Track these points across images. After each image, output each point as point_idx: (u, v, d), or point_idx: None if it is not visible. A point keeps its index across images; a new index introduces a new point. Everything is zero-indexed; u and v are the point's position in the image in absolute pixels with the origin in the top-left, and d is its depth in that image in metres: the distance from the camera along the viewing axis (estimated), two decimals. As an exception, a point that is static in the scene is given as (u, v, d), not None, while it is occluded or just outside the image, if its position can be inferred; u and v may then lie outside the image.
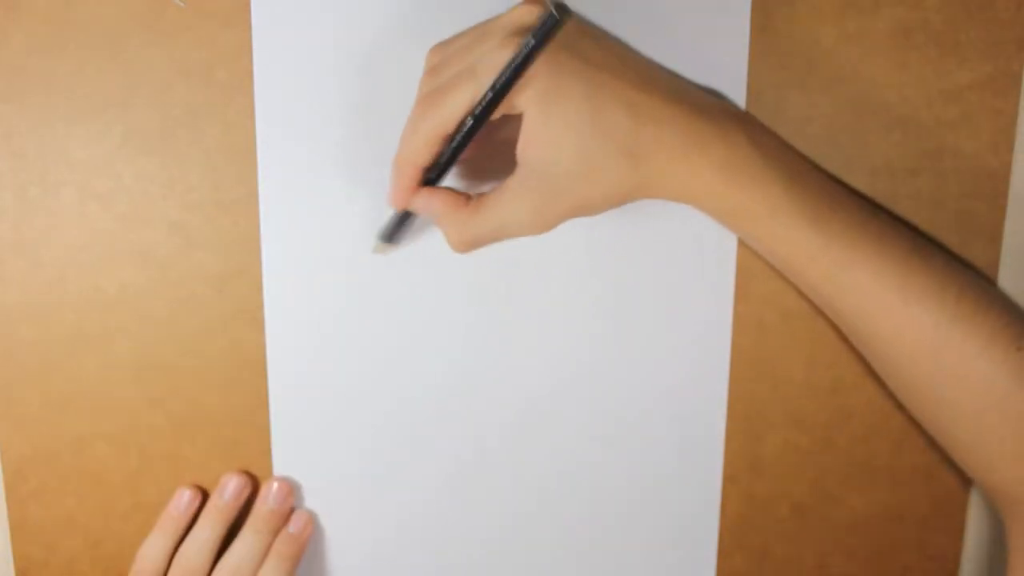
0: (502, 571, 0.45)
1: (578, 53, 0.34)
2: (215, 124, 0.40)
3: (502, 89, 0.33)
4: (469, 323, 0.43)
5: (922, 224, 0.42)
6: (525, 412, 0.44)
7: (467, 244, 0.36)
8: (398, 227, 0.38)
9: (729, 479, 0.44)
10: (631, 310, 0.42)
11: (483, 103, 0.33)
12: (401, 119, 0.40)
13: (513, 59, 0.32)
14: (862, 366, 0.43)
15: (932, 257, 0.36)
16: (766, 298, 0.42)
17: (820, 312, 0.42)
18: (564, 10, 0.31)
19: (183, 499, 0.42)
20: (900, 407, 0.43)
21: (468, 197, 0.36)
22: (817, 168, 0.37)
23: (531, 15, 0.33)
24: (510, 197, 0.35)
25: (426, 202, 0.36)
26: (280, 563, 0.41)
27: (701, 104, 0.36)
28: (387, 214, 0.39)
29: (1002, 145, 0.41)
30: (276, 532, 0.42)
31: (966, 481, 0.44)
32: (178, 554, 0.41)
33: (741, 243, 0.42)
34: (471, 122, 0.34)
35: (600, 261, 0.42)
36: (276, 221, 0.41)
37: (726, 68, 0.40)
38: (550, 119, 0.33)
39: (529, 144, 0.34)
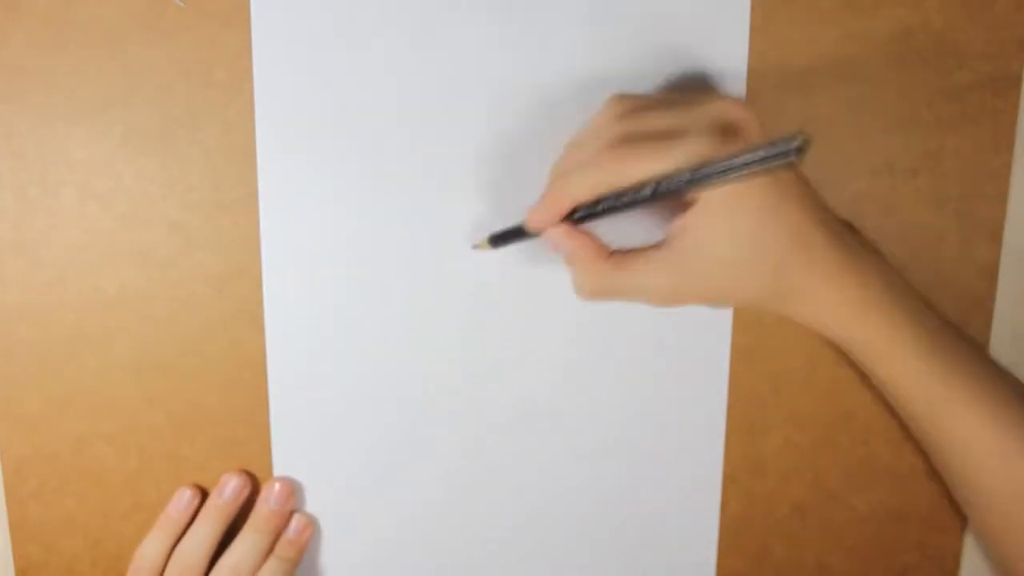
0: (502, 571, 0.45)
1: None
2: (215, 124, 0.40)
3: (698, 183, 0.32)
4: (469, 323, 0.43)
5: (922, 224, 0.42)
6: (525, 412, 0.44)
7: (597, 295, 0.37)
8: (513, 239, 0.39)
9: (729, 479, 0.44)
10: (631, 310, 0.42)
11: (674, 185, 0.33)
12: (400, 119, 0.40)
13: (726, 168, 0.32)
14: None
15: None
16: (766, 298, 0.42)
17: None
18: (803, 153, 0.29)
19: (183, 498, 0.42)
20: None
21: (607, 249, 0.37)
22: (932, 305, 0.39)
23: (739, 115, 0.34)
24: (654, 269, 0.36)
25: (564, 239, 0.37)
26: (280, 564, 0.42)
27: (845, 235, 0.37)
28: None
29: (1002, 145, 0.41)
30: (277, 532, 0.42)
31: (966, 481, 0.44)
32: (175, 552, 0.41)
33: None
34: (649, 193, 0.34)
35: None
36: (276, 221, 0.41)
37: (726, 68, 0.40)
38: (718, 219, 0.34)
39: (689, 231, 0.35)
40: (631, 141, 0.34)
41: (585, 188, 0.35)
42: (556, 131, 0.41)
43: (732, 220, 0.34)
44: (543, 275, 0.42)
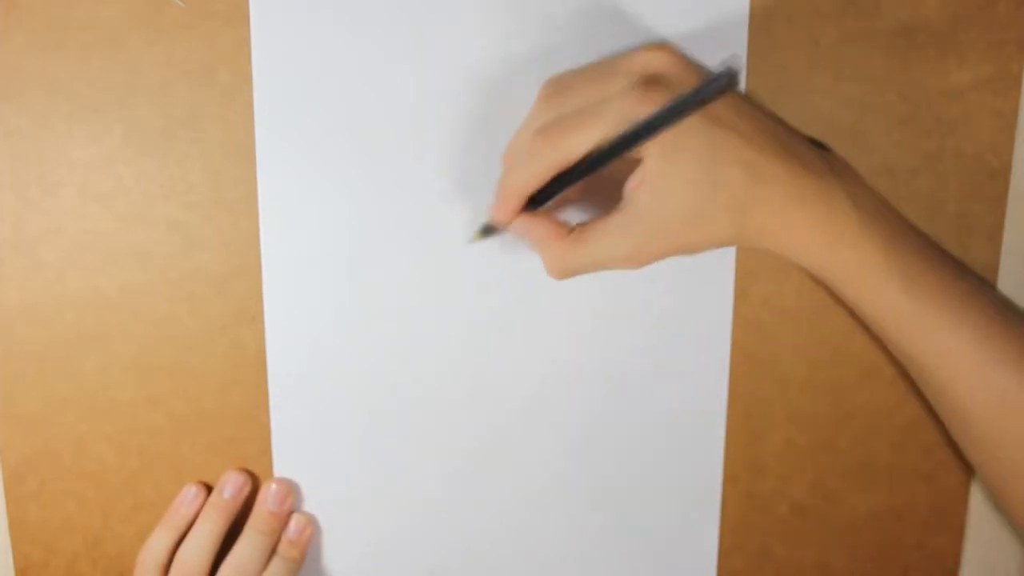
0: (502, 571, 0.45)
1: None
2: (215, 124, 0.40)
3: (633, 140, 0.33)
4: (469, 323, 0.43)
5: (922, 224, 0.42)
6: (525, 412, 0.44)
7: (564, 273, 0.37)
8: (496, 231, 0.39)
9: (729, 479, 0.44)
10: (631, 310, 0.42)
11: (610, 149, 0.33)
12: (400, 118, 0.40)
13: (658, 115, 0.32)
14: (862, 366, 0.43)
15: (1013, 323, 0.37)
16: (766, 298, 0.42)
17: (820, 312, 0.42)
18: (734, 80, 0.30)
19: (188, 495, 0.42)
20: (900, 407, 0.43)
21: (567, 227, 0.37)
22: (911, 226, 0.38)
23: (661, 62, 0.34)
24: (612, 232, 0.36)
25: (526, 229, 0.37)
26: (284, 564, 0.42)
27: (808, 160, 0.36)
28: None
29: (1002, 145, 0.41)
30: (277, 533, 0.42)
31: (966, 481, 0.44)
32: (178, 552, 0.41)
33: (739, 245, 0.42)
34: (588, 164, 0.34)
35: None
36: (276, 221, 0.41)
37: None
38: (668, 169, 0.34)
39: (641, 188, 0.35)
40: (559, 121, 0.35)
41: (529, 178, 0.35)
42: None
43: (681, 168, 0.34)
44: (543, 275, 0.42)
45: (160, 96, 0.40)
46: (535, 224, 0.37)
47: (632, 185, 0.35)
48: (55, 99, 0.40)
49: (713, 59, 0.40)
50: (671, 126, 0.33)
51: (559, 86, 0.36)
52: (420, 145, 0.41)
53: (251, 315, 0.42)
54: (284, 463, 0.43)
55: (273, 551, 0.42)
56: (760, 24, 0.40)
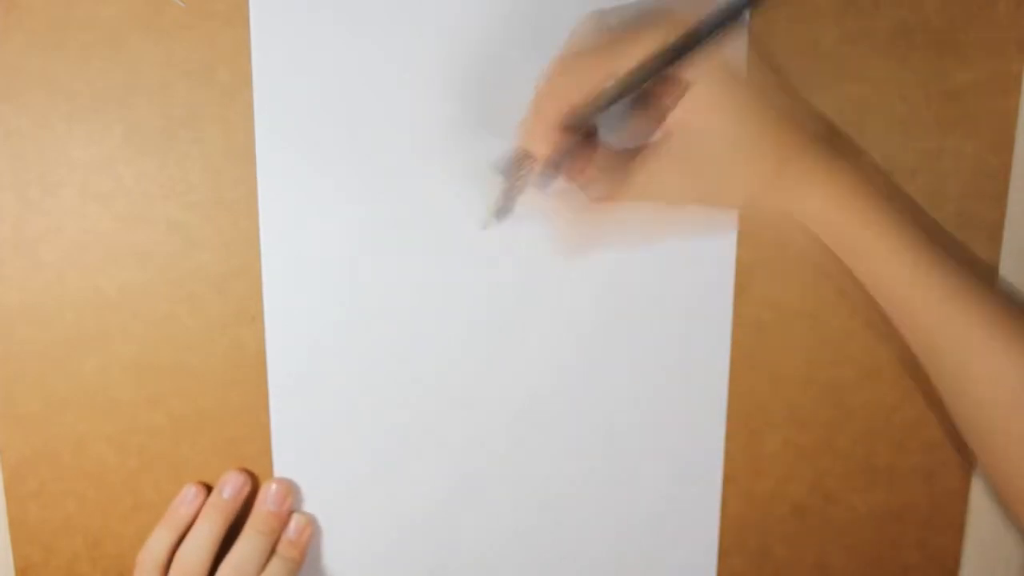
0: (502, 570, 0.45)
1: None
2: (215, 124, 0.40)
3: (696, 41, 0.31)
4: (468, 322, 0.43)
5: (922, 224, 0.42)
6: (525, 412, 0.44)
7: (613, 198, 0.36)
8: (507, 199, 0.38)
9: (729, 479, 0.44)
10: (631, 310, 0.42)
11: (669, 54, 0.32)
12: (400, 118, 0.40)
13: (717, 14, 0.31)
14: (862, 366, 0.43)
15: (1021, 315, 0.36)
16: (766, 298, 0.42)
17: (820, 312, 0.42)
18: None
19: (188, 495, 0.42)
20: (900, 407, 0.43)
21: (609, 151, 0.36)
22: (924, 211, 0.38)
23: None
24: (663, 158, 0.35)
25: (570, 153, 0.35)
26: (283, 564, 0.42)
27: (836, 139, 0.37)
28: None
29: (1002, 145, 0.41)
30: (277, 532, 0.42)
31: (966, 481, 0.44)
32: (178, 552, 0.41)
33: (741, 243, 0.42)
34: (641, 75, 0.32)
35: (600, 261, 0.42)
36: (276, 221, 0.41)
37: (726, 68, 0.40)
38: (722, 93, 0.33)
39: (693, 112, 0.34)
40: (612, 35, 0.34)
41: (573, 86, 0.34)
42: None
43: (733, 94, 0.34)
44: (543, 275, 0.42)
45: (160, 96, 0.40)
46: (579, 149, 0.35)
47: (680, 113, 0.34)
48: (55, 99, 0.40)
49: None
50: (729, 26, 0.32)
51: (605, 13, 0.35)
52: (420, 145, 0.41)
53: (251, 315, 0.42)
54: (284, 463, 0.43)
55: (273, 551, 0.42)
56: (760, 24, 0.40)
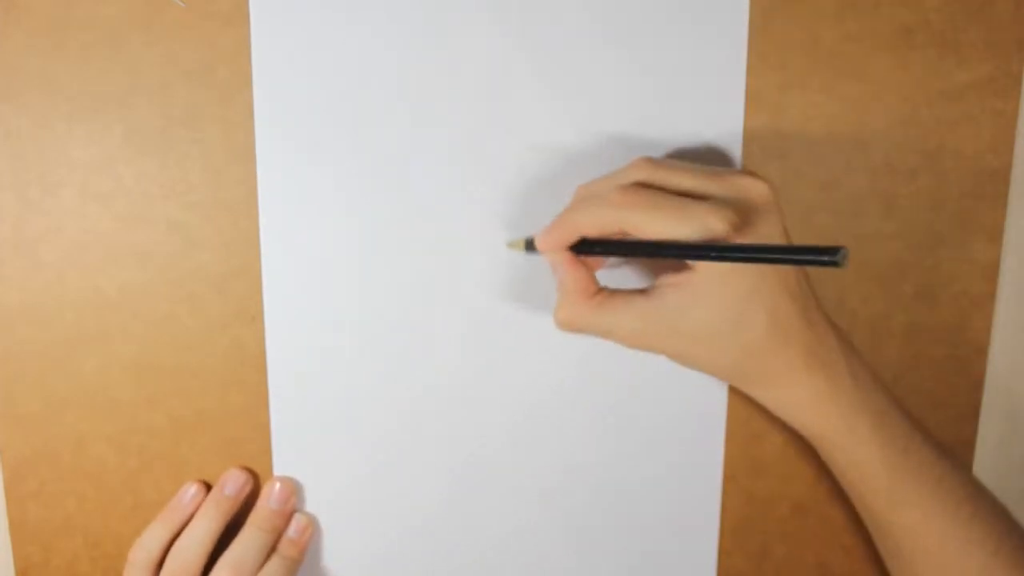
0: (502, 570, 0.45)
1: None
2: (215, 124, 0.40)
3: (704, 255, 0.33)
4: (469, 323, 0.43)
5: (922, 224, 0.42)
6: (525, 412, 0.44)
7: (570, 327, 0.38)
8: (534, 249, 0.39)
9: (729, 479, 0.44)
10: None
11: (678, 250, 0.33)
12: (400, 118, 0.40)
13: (743, 249, 0.32)
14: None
15: (981, 508, 0.38)
16: (766, 298, 0.42)
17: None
18: (838, 262, 0.29)
19: (188, 493, 0.42)
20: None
21: (596, 286, 0.37)
22: (899, 405, 0.38)
23: (760, 193, 0.35)
24: (632, 314, 0.36)
25: (562, 268, 0.37)
26: (282, 563, 0.42)
27: (824, 332, 0.37)
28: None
29: (1002, 145, 0.41)
30: (278, 531, 0.42)
31: (966, 481, 0.44)
32: (174, 546, 0.41)
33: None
34: (649, 248, 0.34)
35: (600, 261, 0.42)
36: (276, 221, 0.41)
37: (726, 68, 0.40)
38: (710, 288, 0.35)
39: (679, 292, 0.35)
40: (649, 192, 0.35)
41: (594, 223, 0.35)
42: (555, 130, 0.41)
43: (720, 293, 0.35)
44: (544, 275, 0.42)
45: (160, 96, 0.40)
46: (572, 267, 0.37)
47: (670, 281, 0.36)
48: (55, 99, 0.40)
49: (713, 60, 0.40)
50: (752, 263, 0.33)
51: (658, 164, 0.36)
52: (420, 145, 0.41)
53: (251, 315, 0.42)
54: (284, 463, 0.43)
55: (272, 550, 0.42)
56: (760, 24, 0.40)
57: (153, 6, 0.39)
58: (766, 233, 0.34)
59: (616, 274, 0.42)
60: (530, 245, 0.40)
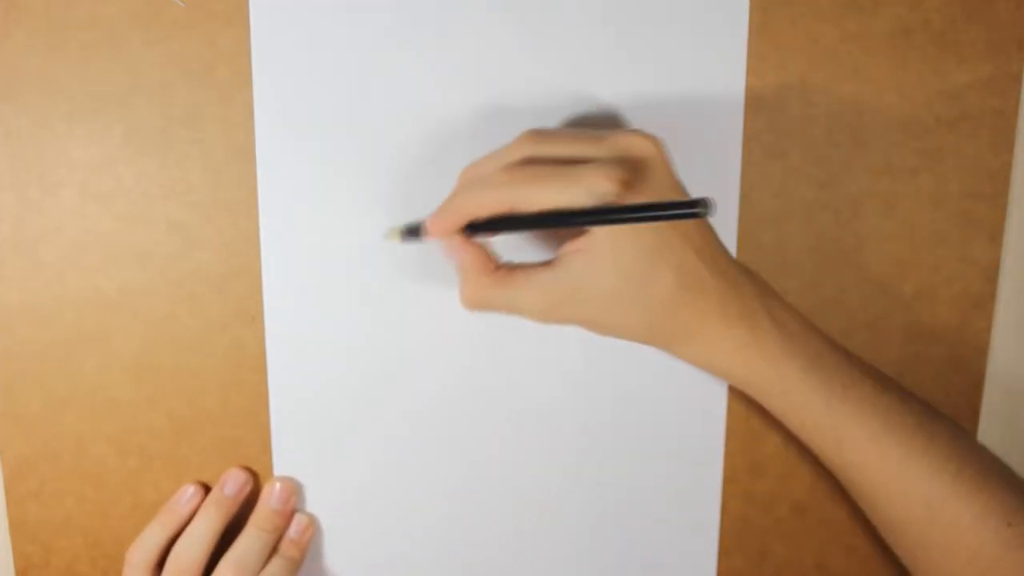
0: (502, 570, 0.45)
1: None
2: (215, 124, 0.40)
3: (592, 219, 0.33)
4: (469, 322, 0.43)
5: (922, 224, 0.42)
6: (525, 412, 0.44)
7: (477, 305, 0.38)
8: (419, 236, 0.39)
9: (729, 479, 0.44)
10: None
11: (567, 218, 0.33)
12: (399, 118, 0.40)
13: (627, 208, 0.32)
14: (862, 366, 0.43)
15: (936, 434, 0.37)
16: (766, 298, 0.42)
17: (819, 312, 0.42)
18: (707, 212, 0.30)
19: (186, 494, 0.42)
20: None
21: (494, 261, 0.37)
22: (834, 345, 0.38)
23: (647, 150, 0.35)
24: (536, 286, 0.36)
25: (457, 250, 0.37)
26: (284, 563, 0.42)
27: (737, 281, 0.37)
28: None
29: (1002, 145, 0.41)
30: (279, 531, 0.42)
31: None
32: (175, 547, 0.41)
33: (740, 244, 0.42)
34: (540, 220, 0.34)
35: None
36: (276, 221, 0.41)
37: (726, 68, 0.40)
38: (610, 249, 0.34)
39: (578, 256, 0.35)
40: (534, 165, 0.34)
41: (481, 205, 0.35)
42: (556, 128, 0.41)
43: (621, 254, 0.34)
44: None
45: (160, 96, 0.40)
46: (466, 249, 0.37)
47: (570, 249, 0.35)
48: (55, 99, 0.40)
49: (713, 60, 0.40)
50: (632, 223, 0.33)
51: (542, 135, 0.36)
52: (420, 145, 0.41)
53: (251, 315, 0.42)
54: (284, 463, 0.43)
55: (273, 550, 0.42)
56: (760, 24, 0.40)
57: (153, 6, 0.39)
58: (657, 188, 0.34)
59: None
60: (411, 232, 0.39)
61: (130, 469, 0.43)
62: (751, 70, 0.40)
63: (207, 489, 0.43)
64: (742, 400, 0.43)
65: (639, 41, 0.40)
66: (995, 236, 0.42)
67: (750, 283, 0.37)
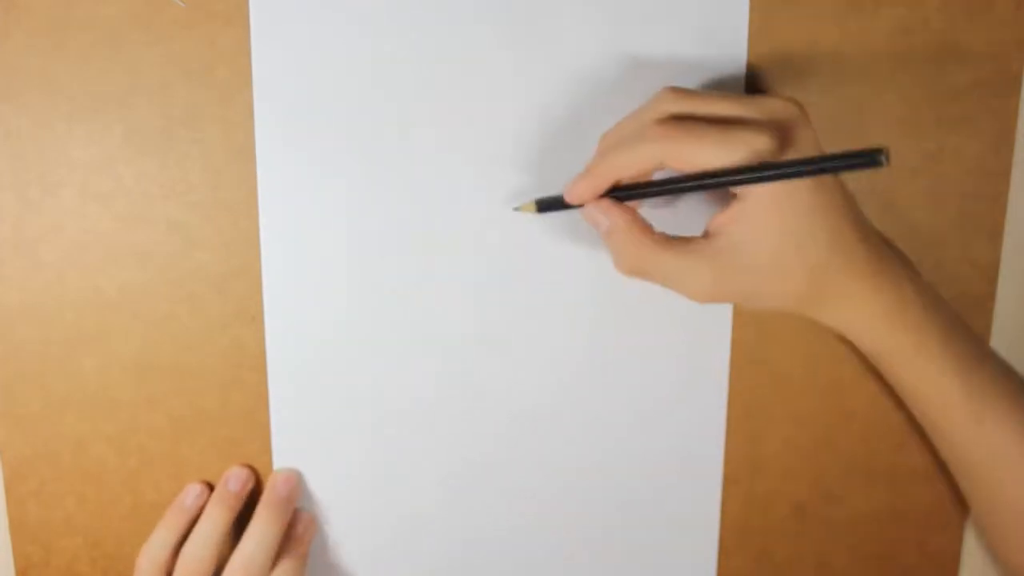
0: (502, 570, 0.45)
1: None
2: (215, 124, 0.40)
3: (755, 177, 0.32)
4: (469, 322, 0.43)
5: (922, 224, 0.42)
6: (525, 412, 0.44)
7: (637, 271, 0.36)
8: (556, 207, 0.38)
9: (729, 479, 0.44)
10: (631, 310, 0.42)
11: (728, 177, 0.32)
12: (401, 118, 0.40)
13: (790, 164, 0.31)
14: (862, 366, 0.43)
15: None
16: (766, 298, 0.42)
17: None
18: (881, 161, 0.29)
19: (190, 494, 0.42)
20: (900, 407, 0.43)
21: (651, 228, 0.36)
22: (964, 321, 0.38)
23: (792, 114, 0.34)
24: (695, 259, 0.35)
25: (605, 214, 0.36)
26: (291, 562, 0.41)
27: (882, 247, 0.37)
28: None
29: (1002, 145, 0.41)
30: (284, 525, 0.42)
31: (966, 481, 0.44)
32: (183, 549, 0.40)
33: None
34: (695, 180, 0.33)
35: (601, 262, 0.42)
36: (276, 221, 0.41)
37: (726, 68, 0.40)
38: (766, 215, 0.34)
39: (734, 226, 0.34)
40: (688, 122, 0.33)
41: (632, 162, 0.34)
42: (556, 131, 0.41)
43: (777, 219, 0.34)
44: (544, 275, 0.42)
45: (160, 96, 0.40)
46: (621, 211, 0.35)
47: (724, 220, 0.35)
48: (55, 99, 0.40)
49: (712, 59, 0.40)
50: (793, 179, 0.32)
51: (684, 93, 0.35)
52: (420, 144, 0.41)
53: (251, 315, 0.42)
54: (284, 463, 0.43)
55: (280, 547, 0.42)
56: (760, 24, 0.40)
57: (153, 6, 0.39)
58: (804, 150, 0.34)
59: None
60: (543, 205, 0.38)
61: (130, 469, 0.43)
62: (751, 70, 0.40)
63: (211, 488, 0.43)
64: (742, 400, 0.43)
65: (639, 42, 0.40)
66: (995, 236, 0.42)
67: (891, 249, 0.37)
